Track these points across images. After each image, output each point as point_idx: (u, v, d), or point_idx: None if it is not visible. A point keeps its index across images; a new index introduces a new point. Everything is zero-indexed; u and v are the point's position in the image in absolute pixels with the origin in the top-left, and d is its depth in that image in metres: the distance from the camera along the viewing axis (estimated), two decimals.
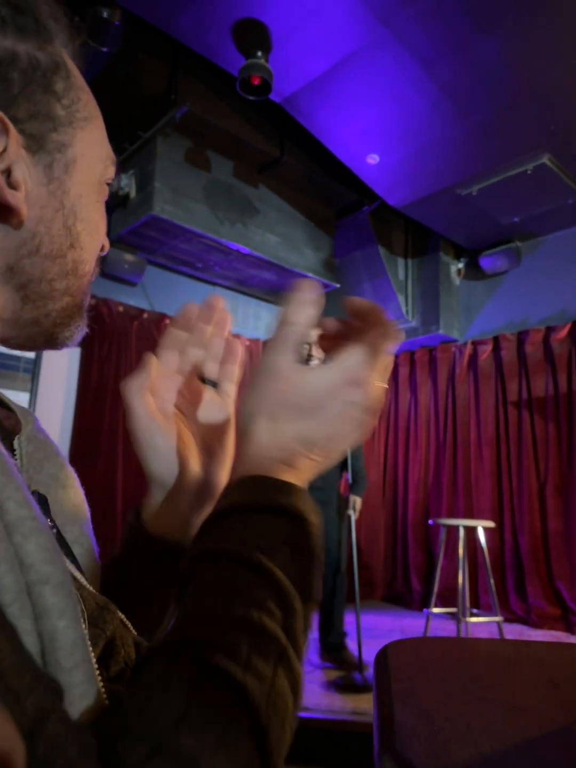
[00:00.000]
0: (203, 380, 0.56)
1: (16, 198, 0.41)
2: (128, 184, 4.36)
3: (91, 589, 0.45)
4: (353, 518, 3.48)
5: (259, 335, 5.66)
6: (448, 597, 4.47)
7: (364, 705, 2.57)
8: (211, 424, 0.55)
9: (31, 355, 4.44)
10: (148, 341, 4.90)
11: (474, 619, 3.72)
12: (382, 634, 4.08)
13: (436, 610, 3.76)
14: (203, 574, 0.37)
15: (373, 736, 0.41)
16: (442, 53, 3.29)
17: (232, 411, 0.56)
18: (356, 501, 3.52)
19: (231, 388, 0.56)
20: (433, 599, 3.74)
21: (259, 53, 3.33)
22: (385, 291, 5.46)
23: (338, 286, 5.42)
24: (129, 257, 4.67)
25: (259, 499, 0.40)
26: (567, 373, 4.83)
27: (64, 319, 0.48)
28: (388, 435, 6.03)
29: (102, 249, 0.51)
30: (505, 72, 3.37)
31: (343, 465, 3.46)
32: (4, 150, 0.40)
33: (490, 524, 3.84)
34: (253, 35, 3.28)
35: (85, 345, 4.59)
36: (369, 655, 3.02)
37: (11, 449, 0.49)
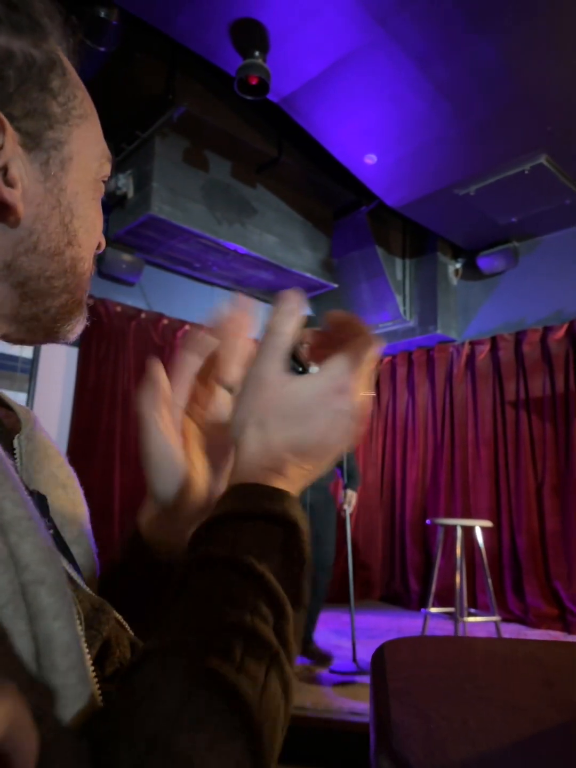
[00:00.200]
0: (221, 384, 0.55)
1: (12, 195, 0.41)
2: (126, 184, 4.35)
3: (87, 589, 0.45)
4: (348, 512, 3.50)
5: (256, 335, 5.65)
6: (446, 597, 4.47)
7: (362, 705, 2.57)
8: (219, 428, 0.54)
9: (28, 355, 4.43)
10: (146, 341, 4.89)
11: (472, 619, 3.72)
12: (379, 633, 4.08)
13: (433, 609, 3.77)
14: (196, 580, 0.37)
15: (370, 735, 0.41)
16: (439, 54, 3.29)
17: None
18: (352, 496, 3.54)
19: None
20: (431, 599, 3.74)
21: (257, 53, 3.33)
22: (382, 291, 5.46)
23: (336, 286, 5.42)
24: (127, 257, 4.67)
25: (250, 506, 0.40)
26: (564, 373, 4.84)
27: (63, 315, 0.48)
28: (386, 435, 6.04)
29: (99, 246, 0.51)
30: (502, 72, 3.38)
31: (338, 464, 3.47)
32: (1, 147, 0.40)
33: (488, 524, 3.84)
34: (250, 35, 3.29)
35: (83, 345, 4.59)
36: (366, 654, 3.03)
37: (11, 448, 0.49)
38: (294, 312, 0.44)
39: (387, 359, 6.14)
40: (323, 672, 3.19)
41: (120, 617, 0.46)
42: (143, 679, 0.31)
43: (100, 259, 4.58)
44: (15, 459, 0.49)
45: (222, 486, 0.53)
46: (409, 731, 0.38)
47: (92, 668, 0.35)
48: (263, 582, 0.36)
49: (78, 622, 0.34)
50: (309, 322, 0.49)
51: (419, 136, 3.95)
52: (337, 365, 0.43)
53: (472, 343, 5.44)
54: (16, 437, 0.50)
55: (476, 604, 4.77)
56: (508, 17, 3.03)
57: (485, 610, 4.30)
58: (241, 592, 0.35)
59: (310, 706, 2.58)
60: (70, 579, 0.43)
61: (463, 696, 0.44)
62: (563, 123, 3.73)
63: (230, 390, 0.55)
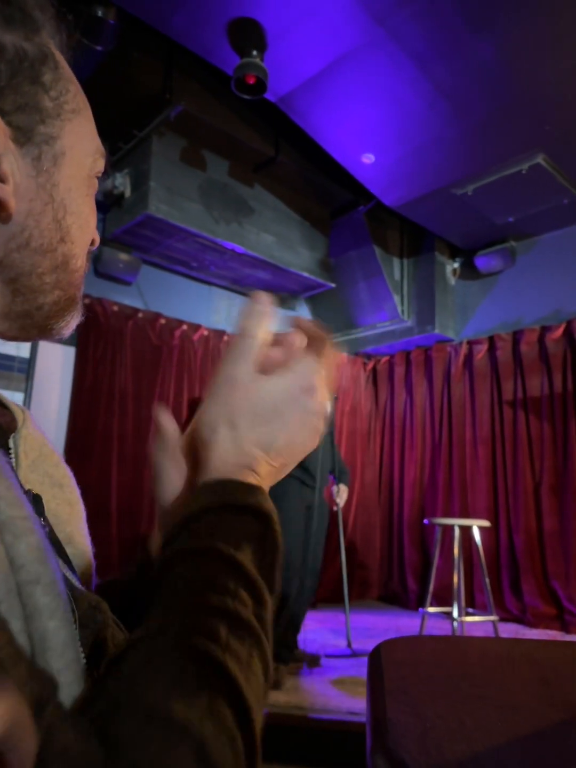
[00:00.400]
0: None
1: (4, 191, 0.41)
2: (123, 184, 4.35)
3: (83, 589, 0.45)
4: (340, 505, 3.53)
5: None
6: (444, 596, 4.48)
7: (359, 704, 2.57)
8: None
9: (25, 354, 4.42)
10: (143, 341, 4.89)
11: (469, 619, 3.73)
12: (377, 633, 4.08)
13: (431, 609, 3.77)
14: (179, 568, 0.38)
15: (366, 734, 0.41)
16: (437, 53, 3.29)
17: None
18: (343, 490, 3.55)
19: None
20: (429, 598, 3.74)
21: (254, 52, 3.33)
22: (380, 291, 5.46)
23: (333, 285, 5.42)
24: (124, 257, 4.66)
25: (226, 499, 0.41)
26: (562, 373, 4.84)
27: (56, 311, 0.47)
28: (384, 435, 6.04)
29: (92, 243, 0.51)
30: (500, 72, 3.38)
31: (330, 469, 3.51)
32: None
33: (486, 523, 3.84)
34: (248, 34, 3.28)
35: (80, 344, 4.58)
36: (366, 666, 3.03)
37: (6, 447, 0.49)
38: (264, 314, 0.46)
39: (385, 359, 6.14)
40: (322, 659, 3.27)
41: (116, 618, 0.46)
42: (134, 659, 0.32)
43: (96, 259, 4.57)
44: (10, 458, 0.48)
45: None
46: (405, 730, 0.38)
47: (87, 668, 0.35)
48: (243, 570, 0.37)
49: (73, 621, 0.34)
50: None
51: (417, 135, 3.95)
52: (303, 365, 0.45)
53: (470, 343, 5.44)
54: (11, 436, 0.49)
55: (474, 604, 4.77)
56: (506, 17, 3.03)
57: (483, 610, 4.30)
58: (222, 580, 0.36)
59: (308, 706, 2.58)
60: (65, 578, 0.43)
61: (459, 695, 0.44)
62: (561, 123, 3.73)
63: None
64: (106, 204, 4.53)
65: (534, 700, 0.43)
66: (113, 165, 4.36)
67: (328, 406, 0.46)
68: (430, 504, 5.43)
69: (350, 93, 3.67)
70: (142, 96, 3.99)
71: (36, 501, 0.47)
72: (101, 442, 4.55)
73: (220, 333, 5.32)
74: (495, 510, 5.03)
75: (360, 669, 3.19)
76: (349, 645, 3.39)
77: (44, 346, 4.43)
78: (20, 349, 4.38)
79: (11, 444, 0.49)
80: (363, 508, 5.79)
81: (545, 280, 5.09)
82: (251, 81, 3.37)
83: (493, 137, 3.89)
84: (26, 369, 4.43)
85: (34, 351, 4.45)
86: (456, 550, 3.67)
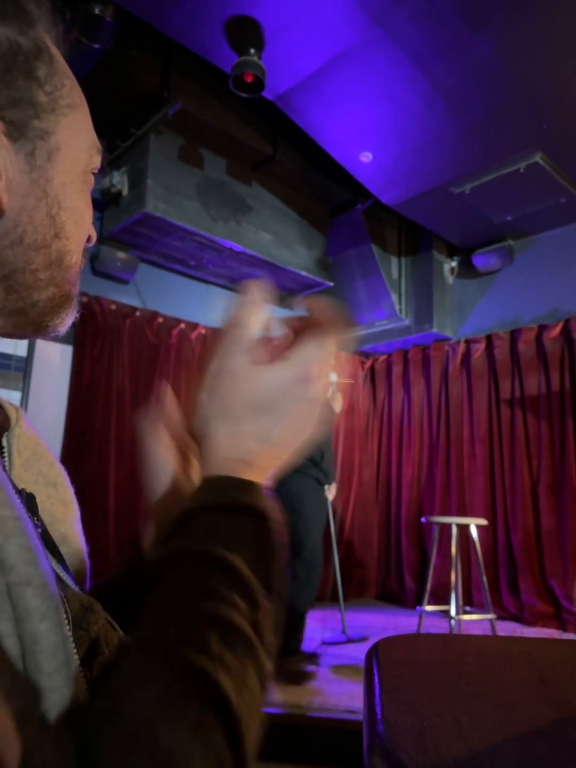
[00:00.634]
0: None
1: None
2: (121, 182, 4.34)
3: (76, 589, 0.45)
4: (329, 501, 3.55)
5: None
6: (442, 595, 4.48)
7: (357, 703, 2.58)
8: None
9: (23, 353, 4.42)
10: (141, 339, 4.88)
11: (467, 617, 3.73)
12: (375, 631, 4.08)
13: (429, 607, 3.77)
14: (171, 574, 0.37)
15: (363, 733, 0.41)
16: (435, 52, 3.29)
17: None
18: (333, 487, 3.57)
19: None
20: (426, 597, 3.75)
21: (252, 51, 3.32)
22: (378, 289, 5.46)
23: (331, 284, 5.42)
24: (121, 255, 4.65)
25: (221, 498, 0.40)
26: (559, 372, 4.85)
27: (51, 308, 0.47)
28: (381, 433, 6.04)
29: (89, 239, 0.50)
30: (498, 71, 3.38)
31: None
32: None
33: (483, 522, 3.85)
34: (246, 32, 3.28)
35: (77, 343, 4.57)
36: (362, 653, 3.04)
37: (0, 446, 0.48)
38: (256, 303, 0.45)
39: (383, 358, 6.14)
40: (317, 648, 3.35)
41: (110, 618, 0.46)
42: (122, 675, 0.31)
43: (94, 257, 4.56)
44: (3, 457, 0.48)
45: None
46: (402, 729, 0.38)
47: (80, 669, 0.35)
48: (237, 573, 0.37)
49: (66, 622, 0.34)
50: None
51: (415, 134, 3.95)
52: (301, 353, 0.44)
53: (468, 342, 5.45)
54: (4, 435, 0.49)
55: (471, 602, 4.78)
56: (505, 17, 3.03)
57: (480, 608, 4.31)
58: (215, 585, 0.36)
59: (305, 705, 2.58)
60: (59, 578, 0.43)
61: (456, 693, 0.43)
62: (558, 121, 3.73)
63: None
64: (104, 202, 4.52)
65: (531, 699, 0.43)
66: (111, 163, 4.35)
67: (332, 393, 0.45)
68: (428, 503, 5.43)
69: (348, 92, 3.67)
70: (140, 94, 3.98)
71: (30, 500, 0.46)
72: (99, 440, 4.54)
73: (218, 332, 5.31)
74: (492, 508, 5.04)
75: (355, 657, 3.31)
76: (344, 631, 3.44)
77: (41, 344, 4.42)
78: (17, 348, 4.37)
79: (4, 443, 0.49)
80: (360, 507, 5.79)
81: (543, 279, 5.10)
82: (249, 79, 3.36)
83: (491, 136, 3.89)
84: (23, 367, 4.42)
85: (31, 349, 4.44)
86: (453, 549, 3.67)
